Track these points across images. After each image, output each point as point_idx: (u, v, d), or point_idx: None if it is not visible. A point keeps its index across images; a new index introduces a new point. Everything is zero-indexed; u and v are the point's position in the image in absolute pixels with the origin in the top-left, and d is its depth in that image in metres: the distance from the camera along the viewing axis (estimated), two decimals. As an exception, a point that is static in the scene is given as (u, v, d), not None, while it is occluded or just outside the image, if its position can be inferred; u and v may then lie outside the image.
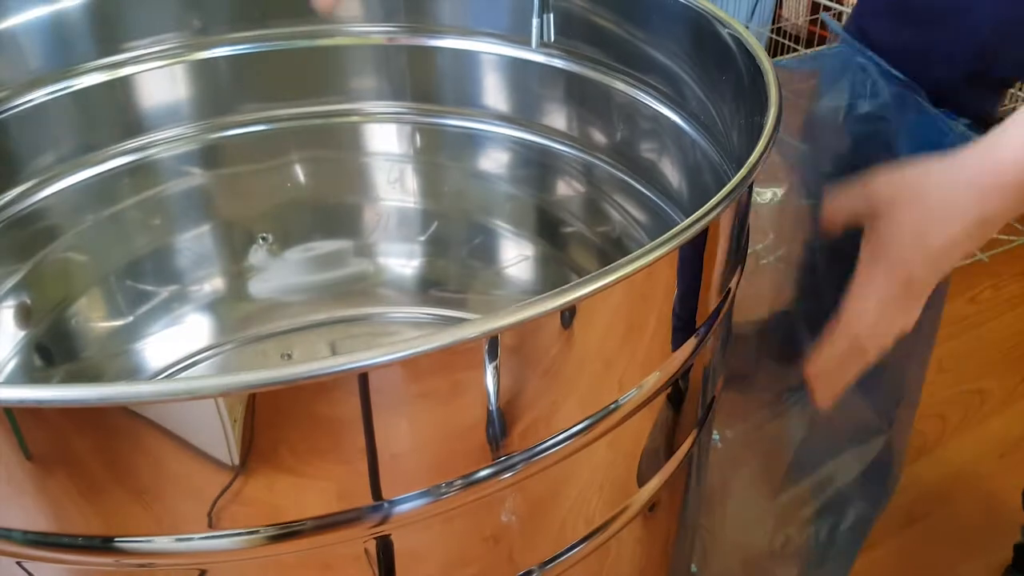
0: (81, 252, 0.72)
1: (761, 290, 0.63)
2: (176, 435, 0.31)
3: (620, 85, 0.66)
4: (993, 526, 0.93)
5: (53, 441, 0.31)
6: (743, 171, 0.40)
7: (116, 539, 0.34)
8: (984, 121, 0.79)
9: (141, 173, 0.73)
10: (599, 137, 0.70)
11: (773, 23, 1.80)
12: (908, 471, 0.99)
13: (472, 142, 0.75)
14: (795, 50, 1.83)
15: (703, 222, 0.36)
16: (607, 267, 0.33)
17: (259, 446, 0.32)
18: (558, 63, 0.69)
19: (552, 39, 0.65)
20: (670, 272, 0.38)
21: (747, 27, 0.53)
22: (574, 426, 0.38)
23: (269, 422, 0.32)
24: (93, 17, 0.67)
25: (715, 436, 0.63)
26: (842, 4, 1.51)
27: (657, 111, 0.63)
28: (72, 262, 0.72)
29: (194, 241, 0.78)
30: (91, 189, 0.70)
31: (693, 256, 0.39)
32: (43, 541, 0.34)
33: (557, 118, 0.72)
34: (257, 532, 0.35)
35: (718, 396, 0.53)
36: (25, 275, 0.68)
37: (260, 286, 0.81)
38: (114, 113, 0.70)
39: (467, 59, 0.72)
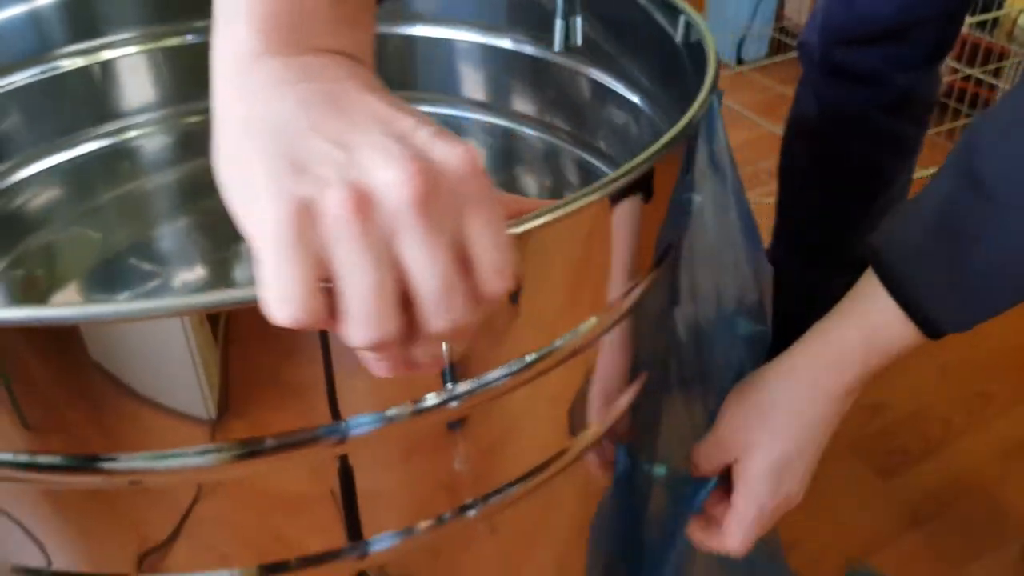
0: (62, 242, 0.72)
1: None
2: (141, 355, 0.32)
3: (595, 73, 0.67)
4: (998, 529, 0.92)
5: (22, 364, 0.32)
6: (680, 124, 0.41)
7: (100, 457, 0.35)
8: (924, 102, 0.82)
9: (120, 159, 0.73)
10: (566, 122, 0.71)
11: (776, 22, 1.80)
12: (913, 474, 0.98)
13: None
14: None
15: (636, 171, 0.38)
16: (535, 212, 0.34)
17: (230, 368, 0.33)
18: (528, 49, 0.70)
19: (579, 42, 0.65)
20: (603, 221, 0.39)
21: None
22: (514, 362, 0.39)
23: (235, 344, 0.33)
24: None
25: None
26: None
27: (620, 94, 0.64)
28: (53, 252, 0.72)
29: (177, 229, 0.78)
30: (68, 176, 0.70)
31: (629, 204, 0.40)
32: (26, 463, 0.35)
33: (526, 103, 0.73)
34: (227, 450, 0.36)
35: (669, 353, 0.54)
36: (4, 267, 0.69)
37: (246, 274, 0.80)
38: (92, 98, 0.70)
39: (443, 47, 0.73)
